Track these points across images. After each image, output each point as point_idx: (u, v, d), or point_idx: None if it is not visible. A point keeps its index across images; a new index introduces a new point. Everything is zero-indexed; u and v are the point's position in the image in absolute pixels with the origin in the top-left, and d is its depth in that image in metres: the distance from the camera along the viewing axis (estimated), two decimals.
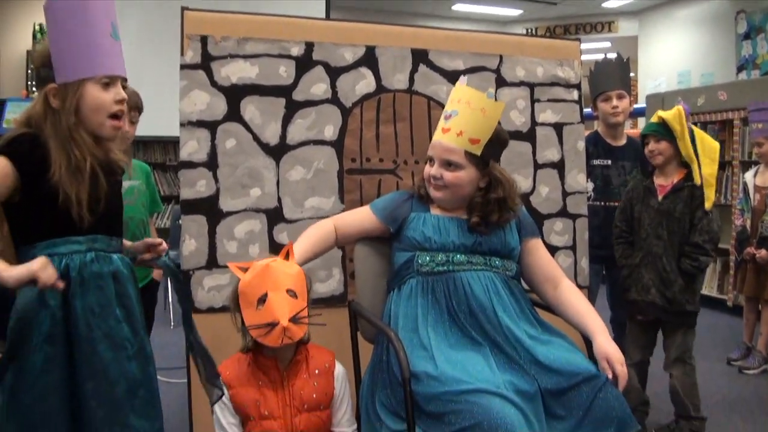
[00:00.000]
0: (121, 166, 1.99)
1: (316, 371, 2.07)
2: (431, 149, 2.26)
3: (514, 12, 11.54)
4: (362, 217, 2.37)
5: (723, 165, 6.19)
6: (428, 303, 2.13)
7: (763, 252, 4.35)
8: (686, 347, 3.21)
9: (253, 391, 2.00)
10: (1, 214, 1.84)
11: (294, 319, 1.94)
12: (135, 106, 2.76)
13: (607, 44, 11.62)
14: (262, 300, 1.94)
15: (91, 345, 1.81)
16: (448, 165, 2.21)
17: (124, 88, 1.92)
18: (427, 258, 2.18)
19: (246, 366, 2.04)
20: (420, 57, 2.95)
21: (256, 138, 2.73)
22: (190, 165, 2.66)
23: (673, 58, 10.43)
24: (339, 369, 2.14)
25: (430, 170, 2.25)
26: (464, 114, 2.20)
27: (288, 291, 1.97)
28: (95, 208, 1.84)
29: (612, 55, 3.70)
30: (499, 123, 2.26)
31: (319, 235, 2.30)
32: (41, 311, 1.77)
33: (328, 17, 6.56)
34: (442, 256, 2.18)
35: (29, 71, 9.30)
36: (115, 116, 1.88)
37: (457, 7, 11.19)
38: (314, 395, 2.04)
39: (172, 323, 5.48)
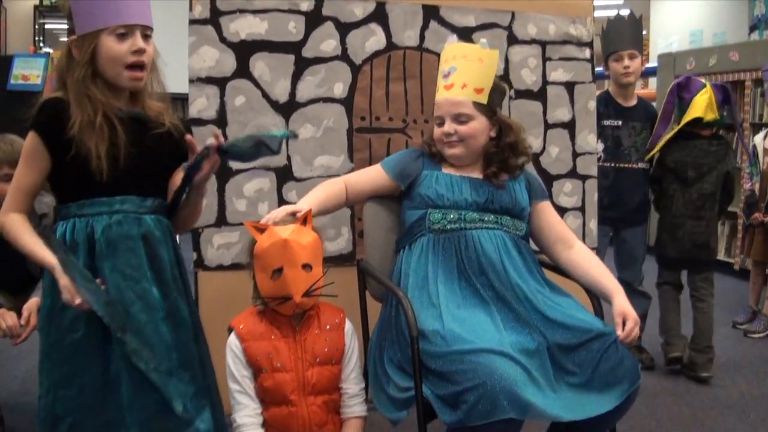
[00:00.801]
0: (159, 120, 1.91)
1: (327, 326, 2.09)
2: (438, 109, 2.27)
3: None
4: (373, 175, 2.36)
5: (733, 127, 6.14)
6: (438, 260, 2.14)
7: (759, 215, 4.34)
8: None
9: (265, 344, 2.01)
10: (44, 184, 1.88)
11: (307, 294, 1.98)
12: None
13: (620, 1, 11.47)
14: (278, 272, 1.96)
15: (123, 306, 1.79)
16: (459, 119, 2.21)
17: (148, 36, 1.85)
18: (439, 215, 2.18)
19: (259, 320, 2.05)
20: (431, 13, 2.92)
21: (265, 95, 2.71)
22: (200, 122, 2.64)
23: (685, 16, 10.29)
24: (348, 325, 2.15)
25: (441, 130, 2.25)
26: (463, 67, 2.22)
27: (304, 266, 1.98)
28: (116, 163, 1.80)
29: (625, 12, 3.65)
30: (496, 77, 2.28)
31: (329, 192, 2.29)
32: (69, 256, 1.77)
33: None
34: (454, 214, 2.18)
35: (36, 27, 9.24)
36: (133, 67, 1.82)
37: None
38: (326, 349, 2.06)
39: None
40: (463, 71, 2.21)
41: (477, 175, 2.27)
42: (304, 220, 2.05)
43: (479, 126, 2.23)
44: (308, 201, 2.20)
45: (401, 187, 2.31)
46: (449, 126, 2.22)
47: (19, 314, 2.57)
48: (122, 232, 1.82)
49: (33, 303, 2.60)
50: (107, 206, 1.82)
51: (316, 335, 2.06)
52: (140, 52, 1.82)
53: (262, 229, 2.02)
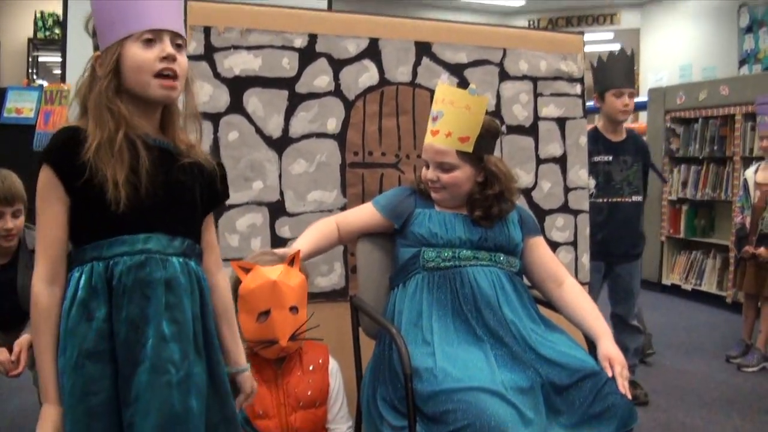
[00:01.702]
0: (189, 153, 1.67)
1: (311, 367, 2.06)
2: (424, 153, 2.29)
3: (517, 3, 11.49)
4: (365, 214, 2.37)
5: (724, 161, 6.19)
6: (433, 298, 2.14)
7: (762, 250, 4.34)
8: None
9: None
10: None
11: (293, 337, 1.95)
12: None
13: (610, 36, 11.58)
14: (264, 314, 1.92)
15: (131, 365, 1.55)
16: (443, 167, 2.22)
17: (180, 46, 1.63)
18: (434, 254, 2.19)
19: None
20: (423, 50, 2.94)
21: (258, 130, 2.71)
22: None
23: (675, 51, 10.40)
24: (333, 364, 2.13)
25: (426, 173, 2.27)
26: (450, 114, 2.22)
27: (291, 308, 1.94)
28: (136, 193, 1.56)
29: (616, 47, 3.69)
30: (487, 113, 2.28)
31: (321, 233, 2.30)
32: (83, 324, 1.55)
33: (330, 6, 6.52)
34: (448, 252, 2.19)
35: (30, 60, 9.27)
36: (164, 75, 1.59)
37: None
38: (309, 392, 2.03)
39: None
40: (449, 118, 2.21)
41: (468, 213, 2.28)
42: (291, 261, 2.02)
43: (462, 175, 2.24)
44: (301, 243, 2.22)
45: (394, 226, 2.31)
46: (432, 173, 2.25)
47: (11, 350, 2.56)
48: (142, 277, 1.57)
49: (24, 340, 2.58)
50: (129, 245, 1.58)
51: (299, 378, 2.03)
52: (170, 58, 1.59)
53: (247, 269, 1.97)
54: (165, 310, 1.58)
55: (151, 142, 1.62)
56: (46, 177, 1.58)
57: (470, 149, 2.22)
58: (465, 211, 2.29)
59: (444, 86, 2.29)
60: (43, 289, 1.58)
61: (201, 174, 1.70)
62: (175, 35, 1.62)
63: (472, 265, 2.18)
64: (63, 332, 1.56)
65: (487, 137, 2.27)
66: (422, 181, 2.34)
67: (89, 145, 1.54)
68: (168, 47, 1.59)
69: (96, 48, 1.64)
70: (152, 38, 1.58)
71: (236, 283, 1.97)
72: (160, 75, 1.58)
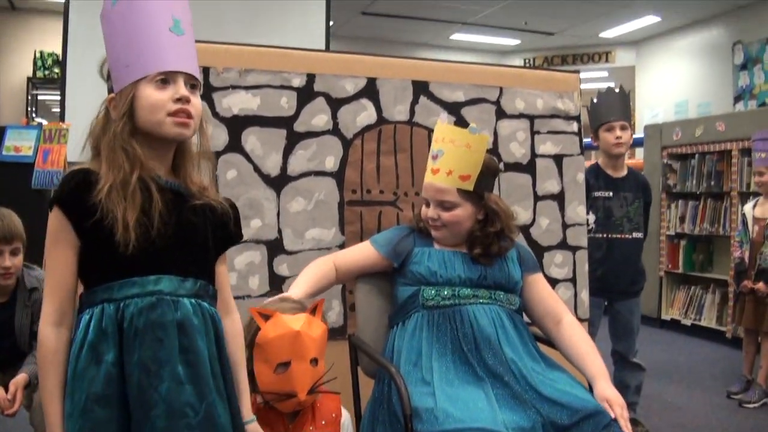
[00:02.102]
0: (201, 195, 1.67)
1: (323, 422, 1.97)
2: (424, 191, 2.29)
3: (512, 42, 11.60)
4: (363, 254, 2.37)
5: (721, 196, 6.20)
6: (433, 336, 2.13)
7: (761, 285, 4.34)
8: None
9: None
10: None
11: (311, 391, 1.85)
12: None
13: (605, 74, 11.68)
14: (284, 365, 1.83)
15: (143, 410, 1.52)
16: (443, 205, 2.22)
17: (194, 87, 1.64)
18: (433, 292, 2.18)
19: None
20: (421, 88, 2.96)
21: (257, 169, 2.72)
22: None
23: (670, 88, 10.49)
24: (345, 417, 2.05)
25: (426, 211, 2.27)
26: (450, 152, 2.22)
27: (311, 360, 1.85)
28: (147, 235, 1.55)
29: (611, 85, 3.73)
30: (487, 152, 2.29)
31: (319, 273, 2.28)
32: (92, 368, 1.52)
33: (328, 46, 6.58)
34: (447, 290, 2.18)
35: (29, 98, 9.33)
36: (178, 114, 1.59)
37: (456, 37, 11.24)
38: None
39: None
40: (450, 157, 2.22)
41: (467, 251, 2.28)
42: (314, 310, 1.94)
43: (463, 213, 2.24)
44: (300, 285, 2.20)
45: (394, 265, 2.31)
46: (433, 211, 2.25)
47: (6, 389, 2.54)
48: (154, 319, 1.54)
49: (21, 379, 2.56)
50: (140, 287, 1.56)
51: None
52: (184, 99, 1.59)
53: (267, 316, 1.87)
54: (179, 353, 1.56)
55: (163, 183, 1.62)
56: (56, 220, 1.58)
57: (471, 187, 2.23)
58: (464, 248, 2.29)
59: (444, 125, 2.29)
60: (51, 331, 1.57)
61: (212, 215, 1.69)
62: (189, 77, 1.63)
63: (471, 304, 2.17)
64: (71, 375, 1.54)
65: (487, 175, 2.28)
66: (421, 219, 2.34)
67: (101, 186, 1.53)
68: (182, 89, 1.59)
69: (110, 91, 1.64)
70: (166, 79, 1.59)
71: (254, 330, 1.87)
72: (173, 114, 1.58)
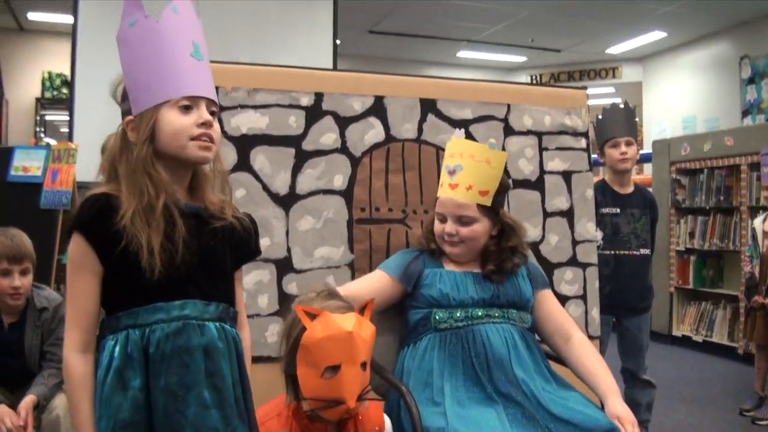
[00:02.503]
0: (221, 215, 1.67)
1: (376, 428, 1.87)
2: (441, 207, 2.27)
3: (519, 59, 11.63)
4: (378, 282, 2.31)
5: (731, 211, 6.18)
6: (444, 357, 2.12)
7: (760, 298, 4.32)
8: None
9: None
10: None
11: (360, 397, 1.73)
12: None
13: (611, 90, 11.69)
14: (332, 369, 1.71)
15: None
16: (462, 220, 2.22)
17: (214, 113, 1.65)
18: (445, 315, 2.17)
19: (292, 425, 1.80)
20: (428, 106, 2.96)
21: (265, 188, 2.72)
22: None
23: (677, 103, 10.48)
24: (388, 425, 1.93)
25: (442, 228, 2.26)
26: (470, 167, 2.22)
27: (362, 364, 1.74)
28: (172, 261, 1.55)
29: (618, 101, 3.73)
30: None
31: None
32: (118, 394, 1.51)
33: (335, 65, 6.62)
34: (460, 312, 2.17)
35: (37, 118, 9.39)
36: (201, 138, 1.60)
37: (462, 54, 11.28)
38: None
39: None
40: (470, 172, 2.22)
41: (479, 269, 2.27)
42: (362, 309, 1.83)
43: (481, 228, 2.25)
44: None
45: (407, 289, 2.28)
46: (451, 227, 2.24)
47: (16, 409, 2.54)
48: (180, 344, 1.54)
49: (30, 401, 2.57)
50: (165, 312, 1.55)
51: None
52: (208, 124, 1.61)
53: (314, 315, 1.76)
54: (205, 377, 1.56)
55: (183, 207, 1.62)
56: (78, 246, 1.56)
57: (489, 203, 2.24)
58: (475, 267, 2.29)
59: (462, 140, 2.30)
60: (77, 358, 1.56)
61: (232, 235, 1.70)
62: (210, 102, 1.64)
63: (484, 323, 2.16)
64: (98, 401, 1.53)
65: (502, 191, 2.29)
66: (431, 237, 2.33)
67: (124, 212, 1.53)
68: (205, 113, 1.61)
69: (125, 113, 1.63)
70: (189, 105, 1.59)
71: (298, 330, 1.78)
72: (196, 138, 1.59)
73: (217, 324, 1.61)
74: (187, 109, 1.59)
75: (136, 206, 1.53)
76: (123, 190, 1.57)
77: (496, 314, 2.19)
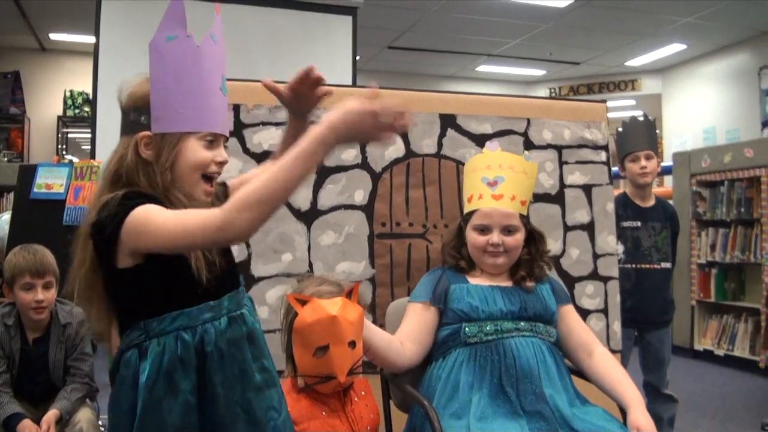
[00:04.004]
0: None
1: (362, 392, 2.05)
2: (485, 218, 2.28)
3: (538, 72, 11.64)
4: (417, 316, 2.29)
5: (751, 223, 6.14)
6: (473, 370, 2.12)
7: None
8: None
9: (320, 423, 1.91)
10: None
11: (350, 372, 1.90)
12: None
13: (632, 102, 11.67)
14: (322, 349, 1.88)
15: (231, 426, 1.55)
16: (508, 230, 2.25)
17: (225, 148, 1.66)
18: (475, 329, 2.18)
19: (300, 398, 1.93)
20: (448, 122, 2.98)
21: (287, 204, 2.75)
22: None
23: (697, 114, 10.44)
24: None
25: (486, 239, 2.27)
26: (511, 178, 2.28)
27: (350, 343, 1.89)
28: (209, 261, 1.55)
29: (638, 113, 3.73)
30: None
31: (393, 342, 2.21)
32: (168, 398, 1.50)
33: (354, 81, 6.65)
34: (490, 326, 2.18)
35: (59, 136, 9.49)
36: (208, 179, 1.61)
37: (481, 68, 11.31)
38: (371, 415, 2.03)
39: None
40: (512, 183, 2.27)
41: (505, 283, 2.29)
42: (349, 294, 1.96)
43: (521, 238, 2.31)
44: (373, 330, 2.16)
45: (441, 309, 2.28)
46: (498, 237, 2.26)
47: (39, 424, 2.57)
48: (232, 337, 1.58)
49: (52, 415, 2.59)
50: (214, 311, 1.57)
51: (361, 404, 2.01)
52: (223, 164, 1.63)
53: (304, 301, 1.90)
54: (252, 363, 1.61)
55: None
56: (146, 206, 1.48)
57: (526, 212, 2.32)
58: (501, 280, 2.30)
59: (500, 152, 2.34)
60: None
61: None
62: (225, 138, 1.67)
63: (514, 336, 2.17)
64: (141, 408, 1.49)
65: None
66: (476, 248, 2.32)
67: None
68: (223, 152, 1.63)
69: (136, 125, 1.58)
70: (212, 140, 1.60)
71: (291, 316, 1.93)
72: (206, 177, 1.61)
73: (247, 309, 1.66)
74: (210, 143, 1.60)
75: None
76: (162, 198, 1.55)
77: (525, 328, 2.20)
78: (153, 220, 1.45)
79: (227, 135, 1.67)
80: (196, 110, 1.57)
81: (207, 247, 1.52)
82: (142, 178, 1.56)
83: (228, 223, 1.38)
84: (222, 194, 1.72)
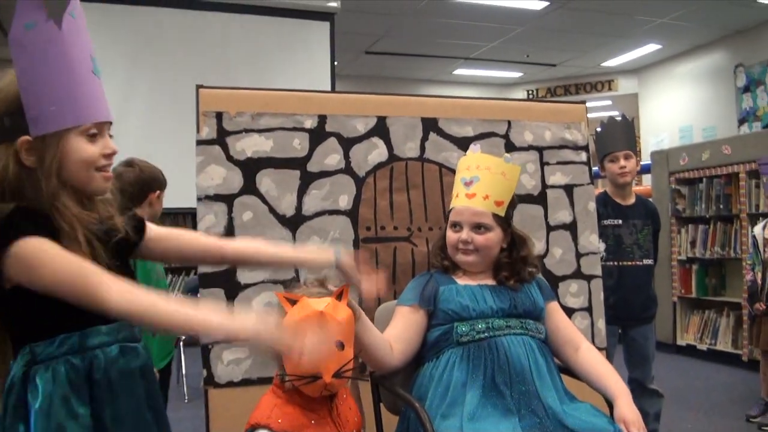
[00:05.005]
0: (116, 226, 1.59)
1: (344, 395, 2.03)
2: (457, 215, 2.32)
3: (515, 74, 11.72)
4: (404, 318, 2.29)
5: (731, 218, 6.22)
6: (466, 369, 2.13)
7: (761, 305, 4.37)
8: None
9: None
10: None
11: (337, 375, 1.84)
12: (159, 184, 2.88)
13: (608, 102, 11.76)
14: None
15: None
16: (478, 228, 2.27)
17: (110, 137, 1.56)
18: (467, 328, 2.19)
19: (290, 409, 1.88)
20: (430, 125, 3.01)
21: (272, 210, 2.76)
22: None
23: (674, 113, 10.55)
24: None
25: (457, 236, 2.30)
26: (486, 179, 2.30)
27: (337, 343, 1.85)
28: None
29: (615, 113, 3.77)
30: None
31: (384, 338, 2.20)
32: (69, 424, 1.42)
33: (333, 86, 6.68)
34: (481, 324, 2.20)
35: None
36: (105, 169, 1.54)
37: (459, 72, 11.37)
38: (355, 418, 2.01)
39: (186, 398, 5.43)
40: (486, 183, 2.30)
41: (490, 282, 2.32)
42: (339, 295, 1.93)
43: (495, 237, 2.30)
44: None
45: (430, 311, 2.29)
46: (467, 234, 2.28)
47: None
48: (124, 368, 1.51)
49: None
50: (105, 336, 1.49)
51: (345, 408, 1.98)
52: (112, 155, 1.54)
53: (293, 301, 1.87)
54: (145, 399, 1.56)
55: (94, 229, 1.52)
56: (41, 242, 1.38)
57: (503, 213, 2.32)
58: (489, 280, 2.33)
59: (479, 154, 2.37)
60: (113, 292, 1.39)
61: (125, 243, 1.63)
62: (109, 125, 1.57)
63: (505, 335, 2.19)
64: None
65: (512, 205, 2.38)
66: (449, 245, 2.35)
67: (61, 234, 1.43)
68: (110, 143, 1.54)
69: (14, 130, 1.45)
70: (96, 132, 1.51)
71: (280, 315, 1.86)
72: (101, 169, 1.53)
73: (141, 344, 1.61)
74: (93, 137, 1.50)
75: (68, 232, 1.45)
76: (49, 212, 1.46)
77: (516, 325, 2.22)
78: (43, 264, 1.37)
79: (111, 120, 1.56)
80: (72, 102, 1.46)
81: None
82: (29, 188, 1.45)
83: (112, 310, 1.37)
84: (136, 230, 1.67)
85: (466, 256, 2.31)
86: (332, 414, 1.95)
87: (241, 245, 1.97)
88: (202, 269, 2.68)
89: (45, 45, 1.42)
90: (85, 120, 1.48)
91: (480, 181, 2.30)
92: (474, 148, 2.42)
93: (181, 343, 5.58)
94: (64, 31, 1.44)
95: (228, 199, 2.71)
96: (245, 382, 2.66)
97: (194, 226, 2.77)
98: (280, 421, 1.83)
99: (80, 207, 1.51)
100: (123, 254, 1.64)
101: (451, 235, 2.34)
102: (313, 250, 1.89)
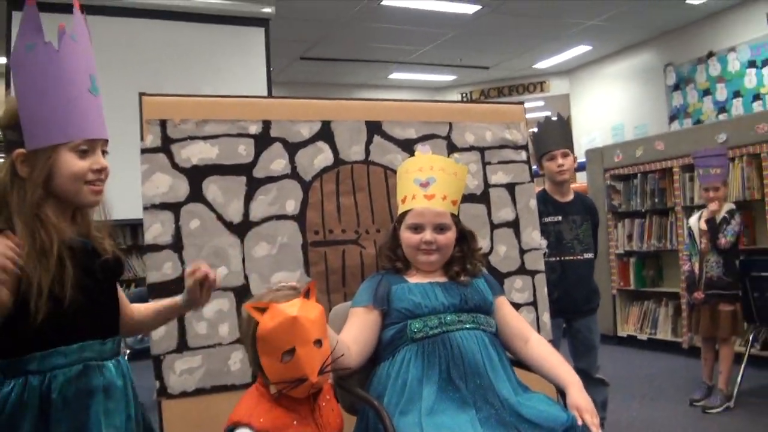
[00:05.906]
0: (104, 246, 1.68)
1: (327, 397, 2.03)
2: (418, 217, 2.36)
3: (449, 78, 11.83)
4: (359, 320, 2.31)
5: (666, 212, 6.39)
6: (422, 365, 2.16)
7: (698, 293, 4.54)
8: None
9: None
10: None
11: (321, 371, 1.86)
12: None
13: (541, 103, 11.96)
14: (289, 353, 1.82)
15: None
16: (440, 229, 2.32)
17: (105, 152, 1.65)
18: (420, 324, 2.23)
19: (272, 406, 1.89)
20: (374, 128, 3.04)
21: (219, 217, 2.75)
22: (156, 248, 2.66)
23: (605, 112, 10.79)
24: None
25: (419, 237, 2.34)
26: (442, 179, 2.36)
27: (315, 342, 1.85)
28: (58, 303, 1.51)
29: (548, 113, 3.85)
30: None
31: (340, 339, 2.20)
32: None
33: (270, 92, 6.65)
34: (434, 320, 2.23)
35: None
36: (95, 183, 1.62)
37: (393, 76, 11.43)
38: (338, 420, 2.01)
39: None
40: (442, 183, 2.36)
41: (441, 279, 2.35)
42: (307, 293, 1.93)
43: (452, 236, 2.38)
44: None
45: (384, 310, 2.31)
46: (430, 235, 2.33)
47: None
48: (82, 387, 1.54)
49: None
50: (64, 357, 1.53)
51: (327, 410, 1.98)
52: (101, 171, 1.62)
53: (263, 309, 1.86)
54: (105, 418, 1.57)
55: (73, 243, 1.59)
56: None
57: (457, 212, 2.40)
58: (439, 277, 2.37)
59: (431, 155, 2.47)
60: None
61: (115, 265, 1.72)
62: (104, 142, 1.66)
63: (458, 329, 2.22)
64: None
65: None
66: (410, 247, 2.37)
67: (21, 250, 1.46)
68: (101, 159, 1.63)
69: (13, 143, 1.57)
70: (87, 148, 1.60)
71: (253, 326, 1.86)
72: (90, 183, 1.61)
73: (114, 361, 1.65)
74: (84, 153, 1.59)
75: (31, 245, 1.50)
76: (17, 227, 1.51)
77: (468, 320, 2.26)
78: None
79: (106, 138, 1.66)
80: (63, 119, 1.55)
81: None
82: (14, 196, 1.54)
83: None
84: (117, 268, 1.73)
85: (429, 256, 2.36)
86: (314, 414, 1.95)
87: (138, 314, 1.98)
88: (151, 279, 2.66)
89: (43, 66, 1.54)
90: (74, 137, 1.57)
91: (437, 182, 2.36)
92: (423, 149, 2.48)
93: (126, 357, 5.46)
94: (62, 53, 1.56)
95: (175, 208, 2.70)
96: (199, 392, 2.64)
97: (134, 239, 2.75)
98: (261, 420, 1.84)
99: (67, 220, 1.61)
100: (110, 276, 1.71)
101: (411, 237, 2.37)
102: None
